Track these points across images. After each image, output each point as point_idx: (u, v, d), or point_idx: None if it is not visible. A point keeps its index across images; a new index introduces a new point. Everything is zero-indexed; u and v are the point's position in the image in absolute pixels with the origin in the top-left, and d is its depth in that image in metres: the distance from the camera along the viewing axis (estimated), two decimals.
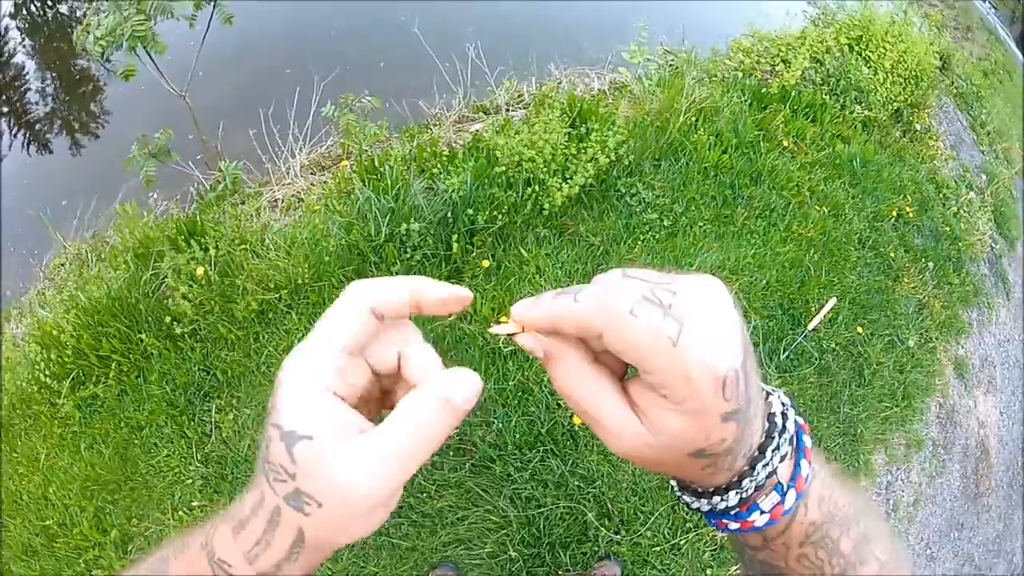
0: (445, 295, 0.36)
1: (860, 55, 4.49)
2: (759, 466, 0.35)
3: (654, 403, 0.32)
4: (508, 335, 0.36)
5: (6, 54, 4.99)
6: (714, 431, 0.32)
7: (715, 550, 2.43)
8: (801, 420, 0.38)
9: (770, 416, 0.36)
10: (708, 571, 2.39)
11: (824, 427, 2.78)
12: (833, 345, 3.09)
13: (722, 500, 0.36)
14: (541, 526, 2.27)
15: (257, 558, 0.33)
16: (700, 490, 0.38)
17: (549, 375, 0.36)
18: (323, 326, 0.33)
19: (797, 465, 0.37)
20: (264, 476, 0.32)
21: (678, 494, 0.41)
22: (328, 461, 0.30)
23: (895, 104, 4.54)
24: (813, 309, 3.11)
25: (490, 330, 0.38)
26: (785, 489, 0.36)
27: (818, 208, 3.28)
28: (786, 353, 2.91)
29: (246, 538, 0.33)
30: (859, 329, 3.29)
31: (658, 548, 2.34)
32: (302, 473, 0.30)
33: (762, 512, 0.36)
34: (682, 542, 2.38)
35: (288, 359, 0.33)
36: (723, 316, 0.32)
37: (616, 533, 2.34)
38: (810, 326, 3.03)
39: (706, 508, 0.38)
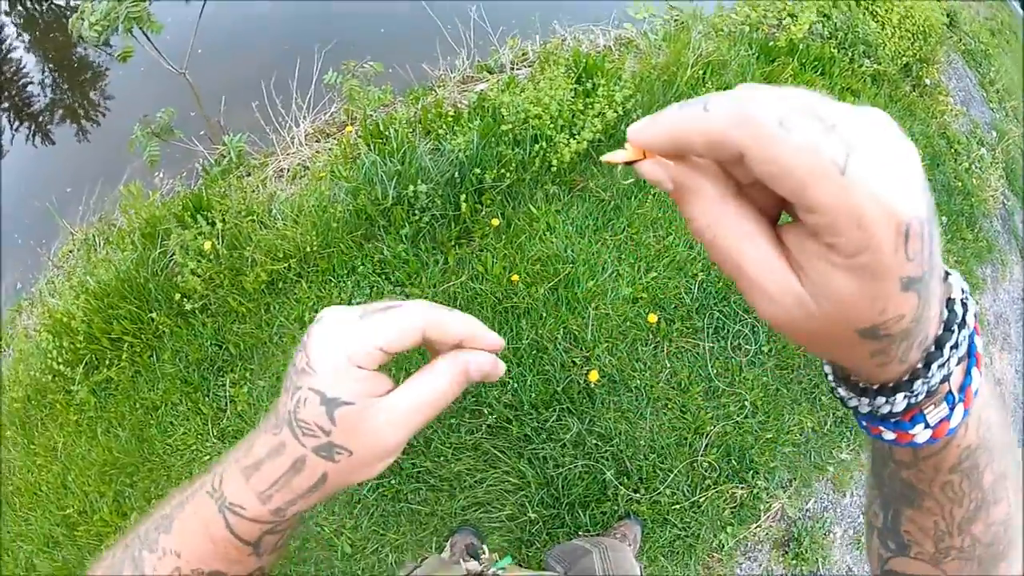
0: (492, 343, 0.41)
1: (867, 9, 4.40)
2: (935, 365, 0.29)
3: (816, 256, 0.25)
4: (625, 163, 0.29)
5: (4, 51, 4.99)
6: (891, 302, 0.25)
7: (735, 507, 2.41)
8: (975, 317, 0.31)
9: (949, 303, 0.29)
10: (728, 528, 2.38)
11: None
12: None
13: (887, 403, 0.30)
14: (560, 486, 2.26)
15: (271, 498, 0.37)
16: (862, 385, 0.32)
17: (684, 215, 0.29)
18: (379, 320, 0.36)
19: (968, 374, 0.30)
20: (289, 429, 0.36)
21: (832, 384, 0.35)
22: (363, 420, 0.35)
23: (904, 59, 4.45)
24: None
25: (603, 158, 0.31)
26: (956, 401, 0.30)
27: None
28: None
29: (260, 479, 0.37)
30: None
31: (678, 506, 2.32)
32: (339, 431, 0.35)
33: (927, 427, 0.31)
34: (702, 500, 2.36)
35: (319, 329, 0.37)
36: (902, 149, 0.25)
37: (635, 492, 2.32)
38: None
39: (865, 410, 0.32)
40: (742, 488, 2.43)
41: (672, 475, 2.36)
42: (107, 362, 2.78)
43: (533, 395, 2.26)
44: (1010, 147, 5.35)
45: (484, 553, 1.96)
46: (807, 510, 2.56)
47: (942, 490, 0.35)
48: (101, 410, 2.79)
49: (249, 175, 2.52)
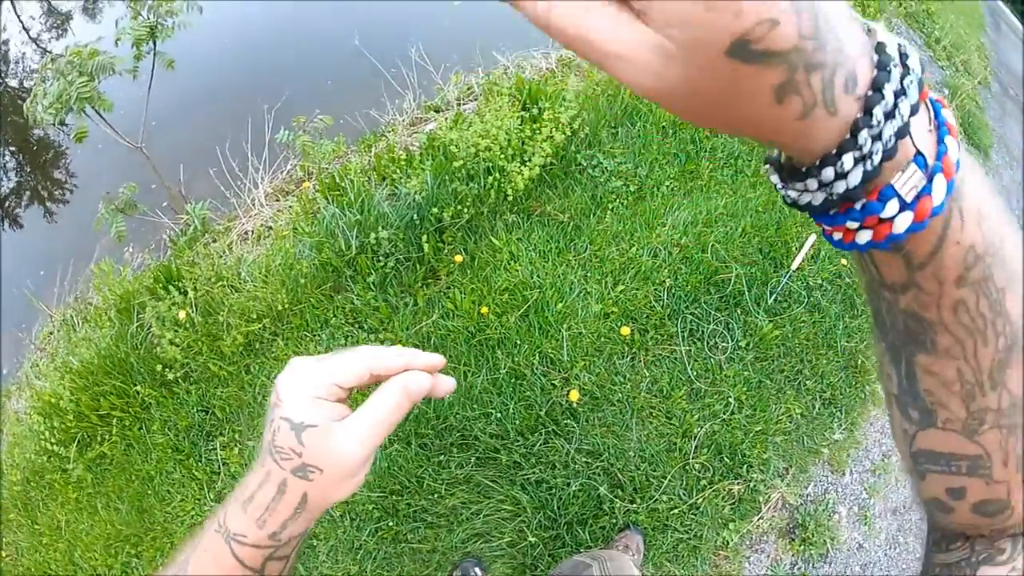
0: (428, 363, 0.47)
1: None
2: (876, 109, 0.24)
3: None
4: None
5: None
6: (744, 3, 0.20)
7: (734, 503, 2.44)
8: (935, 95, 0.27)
9: (878, 47, 0.25)
10: (731, 525, 2.40)
11: (824, 364, 2.79)
12: (820, 281, 3.09)
13: (837, 174, 0.25)
14: (555, 507, 2.29)
15: (265, 523, 0.42)
16: (804, 170, 0.26)
17: (523, 11, 0.24)
18: (332, 363, 0.44)
19: (941, 142, 0.26)
20: (271, 457, 0.42)
21: (775, 184, 0.29)
22: (327, 439, 0.41)
23: None
24: (794, 249, 3.11)
25: None
26: (929, 166, 0.25)
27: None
28: (773, 296, 2.91)
29: (255, 508, 0.42)
30: (843, 261, 3.28)
31: (676, 511, 2.35)
32: (308, 451, 0.41)
33: (901, 201, 0.25)
34: (699, 501, 2.39)
35: (286, 373, 0.44)
36: None
37: (631, 502, 2.35)
38: (793, 266, 3.02)
39: (819, 197, 0.27)
40: (738, 483, 2.47)
41: (666, 481, 2.39)
42: (99, 438, 2.80)
43: (517, 422, 2.30)
44: (965, 102, 5.44)
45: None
46: (807, 495, 2.59)
47: (954, 313, 0.28)
48: (99, 485, 2.82)
49: (215, 241, 2.56)
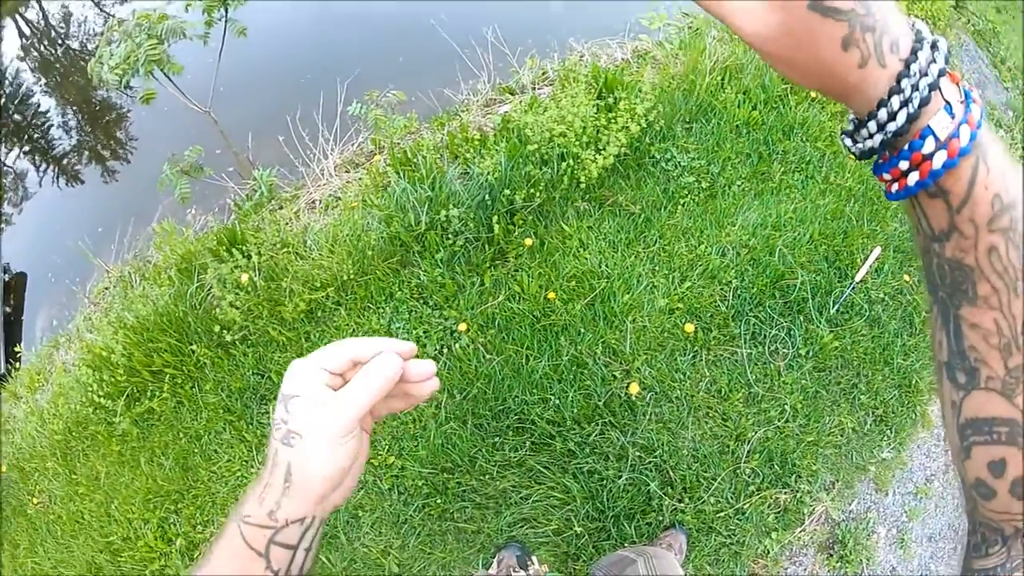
0: (401, 349, 0.47)
1: None
2: (913, 66, 0.32)
3: None
4: None
5: (21, 95, 5.09)
6: None
7: (779, 512, 2.40)
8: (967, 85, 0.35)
9: (917, 32, 0.34)
10: (773, 535, 2.36)
11: (879, 380, 2.73)
12: (882, 295, 3.02)
13: (887, 113, 0.33)
14: (604, 499, 2.26)
15: (264, 499, 0.43)
16: (867, 117, 0.35)
17: None
18: (321, 351, 0.46)
19: (967, 105, 0.33)
20: (272, 432, 0.44)
21: (847, 145, 0.38)
22: (309, 406, 0.43)
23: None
24: (859, 260, 3.05)
25: None
26: (956, 115, 0.33)
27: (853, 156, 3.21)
28: (836, 307, 2.85)
29: (259, 484, 0.44)
30: (906, 277, 3.20)
31: (722, 514, 2.32)
32: (291, 417, 0.43)
33: (936, 140, 0.33)
34: (746, 506, 2.35)
35: (292, 364, 0.46)
36: None
37: (679, 501, 2.32)
38: (857, 277, 2.96)
39: (877, 140, 0.35)
40: (785, 493, 2.42)
41: (716, 483, 2.35)
42: (148, 394, 2.82)
43: (575, 410, 2.28)
44: None
45: (533, 564, 1.97)
46: (850, 512, 2.54)
47: (989, 257, 0.34)
48: (144, 440, 2.84)
49: (281, 208, 2.56)
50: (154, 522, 2.66)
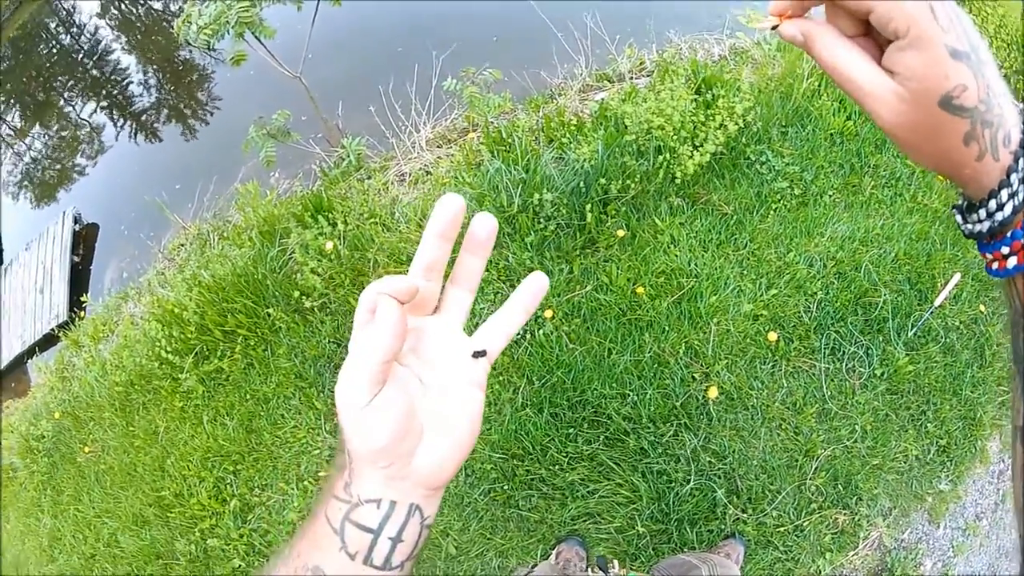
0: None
1: (970, 12, 4.23)
2: (1022, 161, 0.35)
3: (892, 52, 0.35)
4: (771, 28, 0.39)
5: (99, 51, 5.21)
6: (948, 67, 0.33)
7: (836, 533, 2.35)
8: None
9: None
10: (828, 555, 2.32)
11: (947, 409, 2.66)
12: (957, 323, 2.93)
13: (997, 206, 0.36)
14: (671, 502, 2.23)
15: (342, 473, 0.39)
16: (977, 203, 0.38)
17: (812, 56, 0.39)
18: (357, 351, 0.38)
19: None
20: None
21: (958, 222, 0.41)
22: (339, 381, 0.38)
23: (1003, 71, 4.27)
24: (939, 284, 2.96)
25: (751, 24, 0.43)
26: None
27: (941, 178, 3.12)
28: (914, 330, 2.78)
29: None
30: (981, 307, 3.11)
31: (782, 529, 2.28)
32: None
33: None
34: (805, 524, 2.31)
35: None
36: None
37: (743, 511, 2.28)
38: (936, 301, 2.88)
39: (985, 224, 0.37)
40: (845, 514, 2.38)
41: (780, 497, 2.31)
42: (219, 353, 2.85)
43: (652, 409, 2.25)
44: None
45: (614, 568, 1.95)
46: (902, 540, 2.49)
47: None
48: (209, 399, 2.87)
49: (369, 178, 2.57)
50: (210, 481, 2.68)
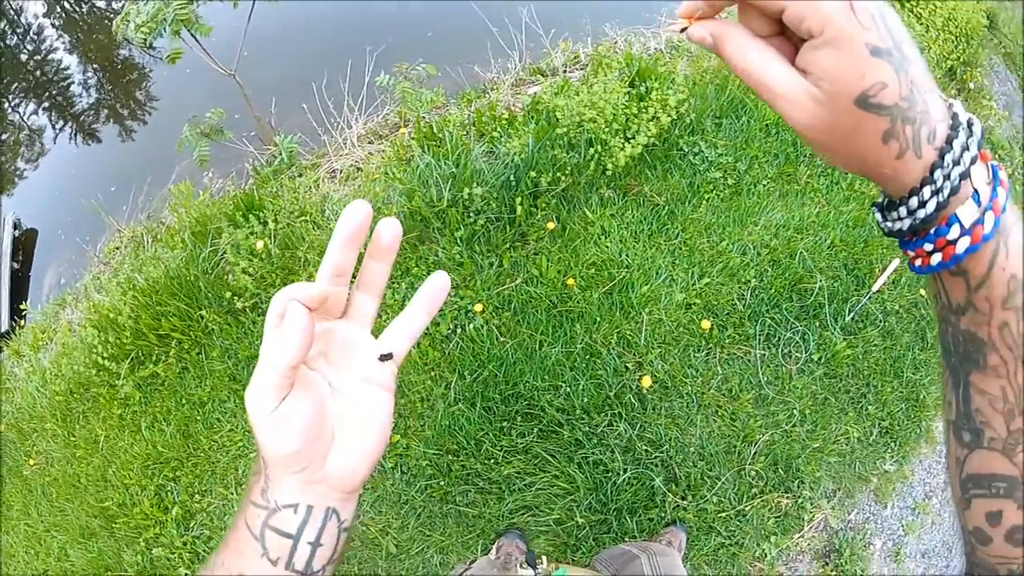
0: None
1: (911, 11, 4.34)
2: (947, 157, 0.34)
3: (806, 51, 0.33)
4: (680, 31, 0.39)
5: (43, 51, 5.07)
6: (867, 66, 0.32)
7: (779, 517, 2.38)
8: (996, 162, 0.37)
9: (954, 116, 0.35)
10: (772, 538, 2.35)
11: (888, 391, 2.71)
12: (897, 307, 2.99)
13: (919, 204, 0.35)
14: (608, 492, 2.24)
15: (259, 478, 0.39)
16: (898, 200, 0.37)
17: (723, 58, 0.37)
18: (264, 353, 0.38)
19: (995, 190, 0.35)
20: None
21: (879, 220, 0.40)
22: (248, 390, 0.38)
23: (948, 62, 4.37)
24: (877, 270, 3.02)
25: (667, 29, 0.43)
26: (982, 202, 0.35)
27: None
28: (851, 315, 2.82)
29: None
30: (921, 291, 3.17)
31: (724, 514, 2.30)
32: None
33: (962, 227, 0.35)
34: (747, 508, 2.34)
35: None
36: None
37: (683, 499, 2.30)
38: (875, 287, 2.93)
39: (907, 223, 0.37)
40: (787, 497, 2.41)
41: (720, 483, 2.34)
42: (154, 358, 2.79)
43: (585, 399, 2.25)
44: None
45: (542, 563, 1.94)
46: (849, 521, 2.53)
47: (1001, 333, 0.36)
48: (146, 405, 2.81)
49: (301, 176, 2.53)
50: (151, 489, 2.63)
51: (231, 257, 2.52)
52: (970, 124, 0.35)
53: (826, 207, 2.83)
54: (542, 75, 2.75)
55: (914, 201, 0.35)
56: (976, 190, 0.35)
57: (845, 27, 0.32)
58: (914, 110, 0.33)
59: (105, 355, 2.86)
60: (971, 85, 4.55)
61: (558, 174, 2.26)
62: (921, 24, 4.29)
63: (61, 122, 4.08)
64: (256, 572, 0.39)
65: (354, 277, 0.44)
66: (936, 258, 0.36)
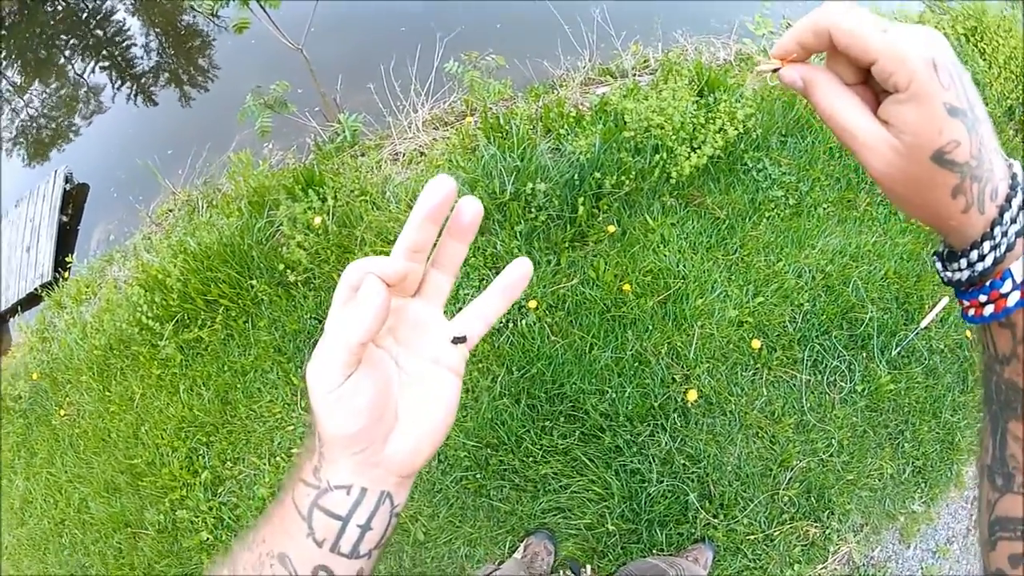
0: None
1: (976, 46, 4.26)
2: (1007, 215, 0.36)
3: (890, 104, 0.35)
4: (772, 71, 0.40)
5: (104, 11, 5.16)
6: (944, 123, 0.34)
7: (806, 545, 2.36)
8: None
9: (1013, 176, 0.37)
10: (796, 566, 2.32)
11: (925, 431, 2.67)
12: (942, 346, 2.94)
13: (978, 256, 0.37)
14: (642, 502, 2.23)
15: (312, 455, 0.39)
16: (959, 252, 0.39)
17: (811, 102, 0.39)
18: (333, 326, 0.38)
19: None
20: None
21: (938, 269, 0.42)
22: (311, 362, 0.37)
23: (1008, 101, 4.28)
24: (927, 306, 2.97)
25: (755, 69, 0.44)
26: None
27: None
28: (898, 349, 2.78)
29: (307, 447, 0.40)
30: (967, 333, 3.12)
31: (752, 537, 2.27)
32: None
33: (1014, 282, 0.37)
34: (776, 533, 2.31)
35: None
36: (932, 34, 0.35)
37: (714, 516, 2.28)
38: (923, 323, 2.88)
39: (965, 274, 0.38)
40: (816, 527, 2.38)
41: (752, 505, 2.31)
42: (199, 322, 2.82)
43: (630, 407, 2.24)
44: None
45: (585, 571, 1.93)
46: (872, 558, 2.50)
47: None
48: (187, 368, 2.84)
49: (363, 155, 2.54)
50: (183, 451, 2.66)
51: (287, 230, 2.54)
52: None
53: (882, 237, 2.79)
54: (611, 76, 2.74)
55: (974, 254, 0.37)
56: None
57: (928, 85, 0.33)
58: (981, 168, 0.35)
59: (150, 315, 2.89)
60: None
61: (622, 177, 2.25)
62: (984, 60, 4.20)
63: (120, 82, 4.14)
64: (299, 551, 0.38)
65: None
66: (988, 309, 0.38)
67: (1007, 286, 0.37)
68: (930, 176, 0.35)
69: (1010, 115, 4.50)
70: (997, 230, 0.36)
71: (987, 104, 4.16)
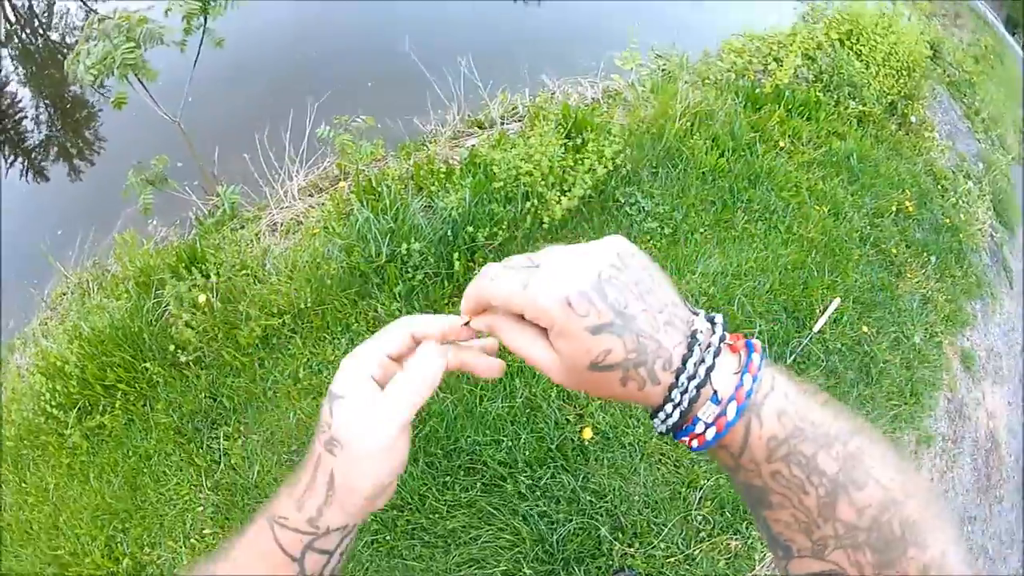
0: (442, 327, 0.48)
1: (851, 49, 4.48)
2: (683, 377, 0.40)
3: (550, 335, 0.41)
4: (464, 324, 0.47)
5: (0, 81, 4.99)
6: (591, 344, 0.39)
7: (730, 558, 2.42)
8: (754, 341, 0.43)
9: (692, 333, 0.41)
10: None
11: None
12: (839, 346, 3.08)
13: (665, 414, 0.42)
14: (554, 543, 2.26)
15: (304, 504, 0.43)
16: (655, 411, 0.43)
17: (500, 340, 0.46)
18: (379, 334, 0.47)
19: (741, 377, 0.41)
20: (316, 432, 0.44)
21: (655, 427, 0.46)
22: (354, 411, 0.43)
23: (889, 97, 4.53)
24: (818, 311, 3.10)
25: (456, 326, 0.49)
26: (723, 400, 0.40)
27: (817, 208, 3.27)
28: (792, 357, 2.90)
29: (298, 488, 0.44)
30: (864, 328, 3.27)
31: (672, 559, 2.33)
32: (335, 422, 0.43)
33: (706, 424, 0.41)
34: (696, 552, 2.38)
35: (349, 355, 0.46)
36: (571, 258, 0.41)
37: (629, 546, 2.33)
38: (815, 328, 3.01)
39: (660, 427, 0.43)
40: (736, 540, 2.45)
41: (666, 529, 2.37)
42: (100, 408, 2.77)
43: (527, 453, 2.28)
44: (997, 178, 5.44)
45: None
46: None
47: (774, 479, 0.41)
48: (94, 455, 2.78)
49: (243, 227, 2.54)
50: (101, 540, 2.60)
51: (174, 310, 2.52)
52: (713, 322, 0.42)
53: (764, 251, 2.91)
54: (480, 127, 2.80)
55: (662, 414, 0.42)
56: (715, 391, 0.40)
57: (566, 323, 0.39)
58: (644, 354, 0.39)
59: (53, 403, 2.83)
60: (912, 119, 4.72)
61: (495, 229, 2.31)
62: (861, 61, 4.43)
63: (12, 157, 4.03)
64: None
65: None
66: (695, 443, 0.42)
67: (699, 427, 0.41)
68: (595, 379, 0.41)
69: (892, 110, 4.76)
70: (675, 392, 0.40)
71: (867, 103, 4.38)
